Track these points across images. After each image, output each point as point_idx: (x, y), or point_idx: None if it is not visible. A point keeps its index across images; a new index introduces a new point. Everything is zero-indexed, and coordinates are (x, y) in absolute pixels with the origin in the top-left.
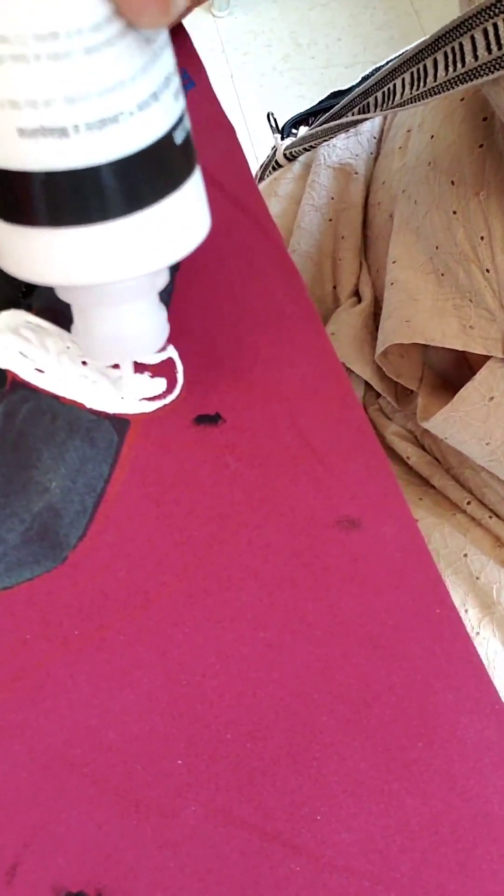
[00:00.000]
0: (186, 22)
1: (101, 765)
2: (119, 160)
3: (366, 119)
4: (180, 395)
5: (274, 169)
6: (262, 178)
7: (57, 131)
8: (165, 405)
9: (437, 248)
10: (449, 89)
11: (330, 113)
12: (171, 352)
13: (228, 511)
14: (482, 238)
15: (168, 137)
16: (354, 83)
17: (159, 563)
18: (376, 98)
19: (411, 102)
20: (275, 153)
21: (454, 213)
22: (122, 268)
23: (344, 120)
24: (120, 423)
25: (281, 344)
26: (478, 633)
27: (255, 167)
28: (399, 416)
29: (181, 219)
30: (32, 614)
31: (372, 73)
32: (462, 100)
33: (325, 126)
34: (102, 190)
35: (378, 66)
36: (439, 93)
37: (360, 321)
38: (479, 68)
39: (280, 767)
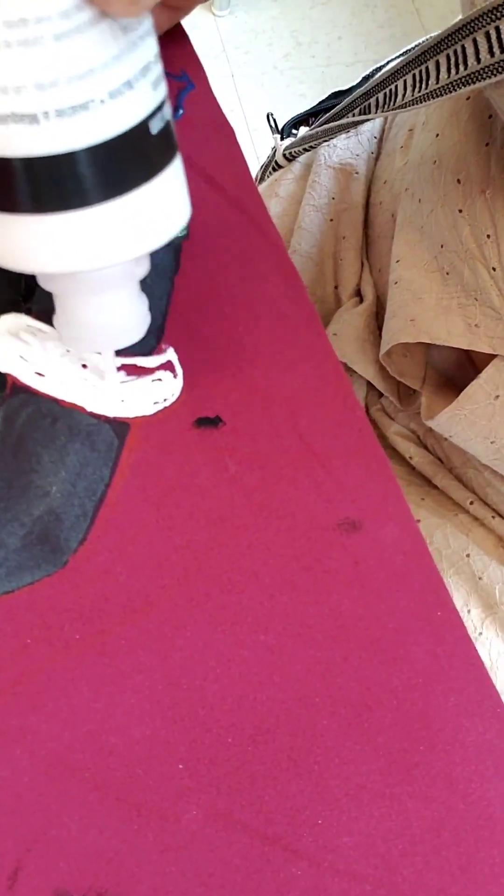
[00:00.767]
0: (186, 21)
1: (103, 769)
2: (92, 147)
3: (367, 120)
4: (180, 397)
5: (274, 169)
6: (262, 179)
7: (27, 117)
8: (165, 408)
9: (442, 246)
10: (451, 92)
11: (330, 114)
12: (171, 354)
13: (229, 514)
14: (488, 236)
15: (143, 126)
16: (355, 83)
17: (160, 567)
18: (377, 99)
19: (413, 104)
20: (274, 154)
21: (460, 211)
22: (101, 255)
23: (345, 121)
24: (120, 426)
25: (281, 346)
26: (480, 634)
27: (256, 167)
28: (402, 416)
29: (160, 206)
30: (33, 619)
31: (373, 74)
32: (468, 98)
33: (325, 126)
34: (78, 176)
35: (379, 65)
36: (441, 95)
37: (363, 321)
38: (481, 71)
39: (281, 771)
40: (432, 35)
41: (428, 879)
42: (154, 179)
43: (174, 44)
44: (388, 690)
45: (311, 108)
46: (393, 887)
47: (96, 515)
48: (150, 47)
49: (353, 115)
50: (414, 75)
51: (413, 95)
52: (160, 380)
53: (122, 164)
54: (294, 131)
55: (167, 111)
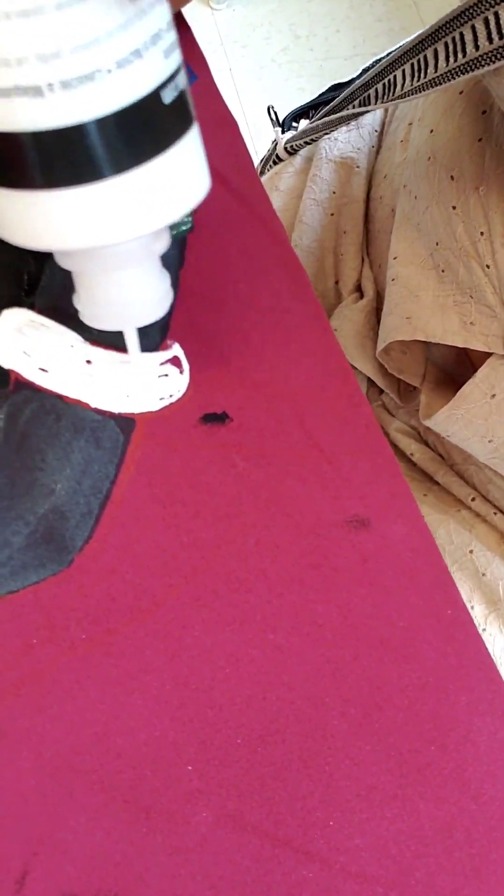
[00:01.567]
0: (184, 16)
1: (110, 771)
2: (101, 119)
3: (366, 112)
4: (186, 393)
5: (275, 163)
6: (262, 173)
7: (32, 90)
8: (171, 404)
9: (437, 243)
10: (450, 80)
11: (330, 106)
12: (177, 350)
13: (236, 511)
14: (482, 233)
15: (155, 95)
16: (355, 75)
17: (166, 566)
18: (377, 90)
19: (412, 94)
20: (275, 147)
21: (454, 208)
22: (117, 229)
23: (345, 113)
24: (125, 422)
25: (287, 342)
26: (484, 630)
27: (256, 161)
28: (402, 413)
29: (176, 178)
30: (39, 619)
31: (372, 65)
32: (461, 93)
33: (325, 119)
34: (90, 149)
35: (378, 57)
36: (440, 84)
37: (363, 317)
38: (479, 58)
39: (291, 772)
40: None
41: (440, 881)
42: (169, 150)
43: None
44: (398, 689)
45: (312, 101)
46: (405, 888)
47: (102, 513)
48: (161, 15)
49: (353, 107)
50: (413, 64)
51: (412, 85)
52: (166, 375)
53: (134, 135)
54: (294, 124)
55: (181, 80)
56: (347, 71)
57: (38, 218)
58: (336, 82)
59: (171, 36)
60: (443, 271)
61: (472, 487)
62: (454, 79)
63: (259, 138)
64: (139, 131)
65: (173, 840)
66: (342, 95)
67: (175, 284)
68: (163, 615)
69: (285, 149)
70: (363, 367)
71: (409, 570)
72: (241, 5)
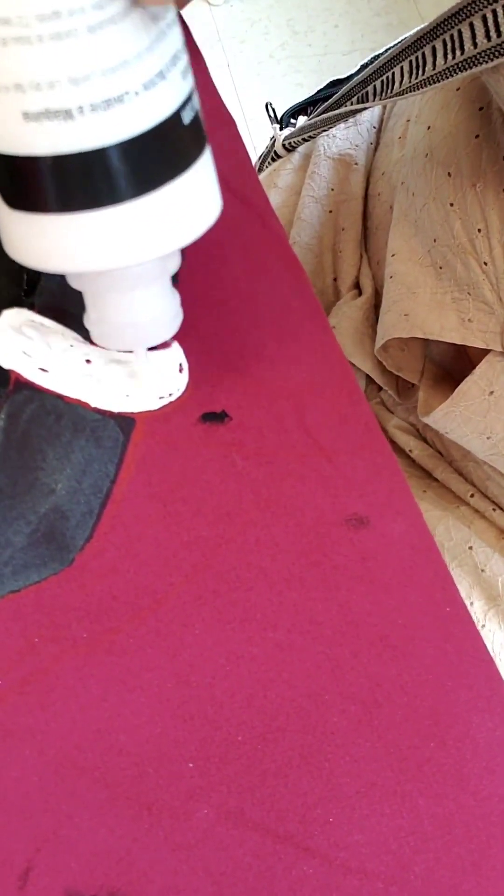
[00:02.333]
0: (182, 11)
1: (112, 768)
2: (126, 141)
3: (364, 108)
4: (186, 392)
5: (273, 159)
6: (260, 170)
7: (62, 113)
8: (171, 402)
9: (434, 240)
10: (448, 77)
11: (329, 103)
12: (176, 349)
13: (236, 510)
14: (479, 230)
15: (176, 117)
16: (353, 71)
17: (167, 564)
18: (375, 87)
19: (410, 91)
20: (273, 144)
21: (451, 205)
22: (133, 251)
23: (343, 109)
24: (125, 421)
25: (286, 340)
26: (483, 626)
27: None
28: (401, 410)
29: (193, 200)
30: (40, 617)
31: (370, 62)
32: (458, 89)
33: (323, 116)
34: (111, 172)
35: (377, 53)
36: (438, 81)
37: (361, 314)
38: (478, 56)
39: (292, 769)
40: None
41: (439, 876)
42: (186, 172)
43: None
44: (397, 686)
45: (310, 98)
46: (405, 884)
47: (102, 512)
48: (177, 36)
49: (352, 104)
50: (411, 62)
51: (410, 82)
52: (165, 373)
53: (155, 157)
54: (293, 121)
55: (196, 100)
56: (346, 66)
57: (53, 241)
58: (334, 78)
59: (186, 57)
60: (440, 268)
61: (471, 484)
62: (452, 76)
63: (258, 134)
64: (160, 153)
65: (175, 836)
66: (340, 92)
67: (174, 282)
68: (164, 613)
69: (283, 146)
70: (362, 364)
71: (409, 567)
72: (238, 1)
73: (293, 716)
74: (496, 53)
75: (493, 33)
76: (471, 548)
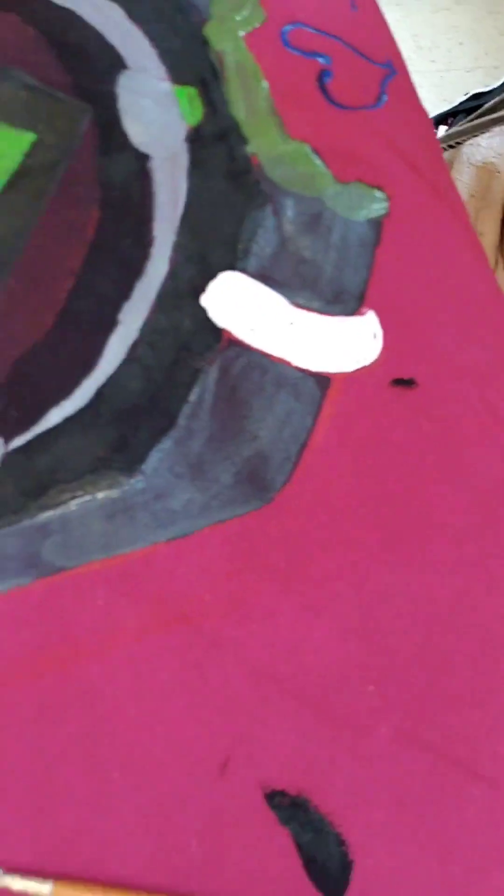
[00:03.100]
0: None
1: (302, 682)
2: None
3: None
4: (378, 358)
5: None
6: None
7: None
8: (365, 367)
9: None
10: None
11: (478, 112)
12: (372, 318)
13: (420, 468)
14: None
15: None
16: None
17: (356, 510)
18: None
19: None
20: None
21: None
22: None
23: (495, 115)
24: (322, 380)
25: (470, 320)
26: None
27: None
28: None
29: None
30: (243, 546)
31: None
32: None
33: (471, 124)
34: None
35: None
36: None
37: None
38: None
39: (465, 701)
40: None
41: None
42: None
43: (380, 33)
44: None
45: (451, 108)
46: None
47: (300, 459)
48: None
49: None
50: None
51: None
52: (360, 339)
53: None
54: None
55: None
56: (468, 83)
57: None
58: (477, 91)
59: None
60: None
61: None
62: None
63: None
64: None
65: (356, 748)
66: (492, 102)
67: (371, 261)
68: (352, 553)
69: None
70: None
71: None
72: None
73: (468, 655)
74: None
75: None
76: None
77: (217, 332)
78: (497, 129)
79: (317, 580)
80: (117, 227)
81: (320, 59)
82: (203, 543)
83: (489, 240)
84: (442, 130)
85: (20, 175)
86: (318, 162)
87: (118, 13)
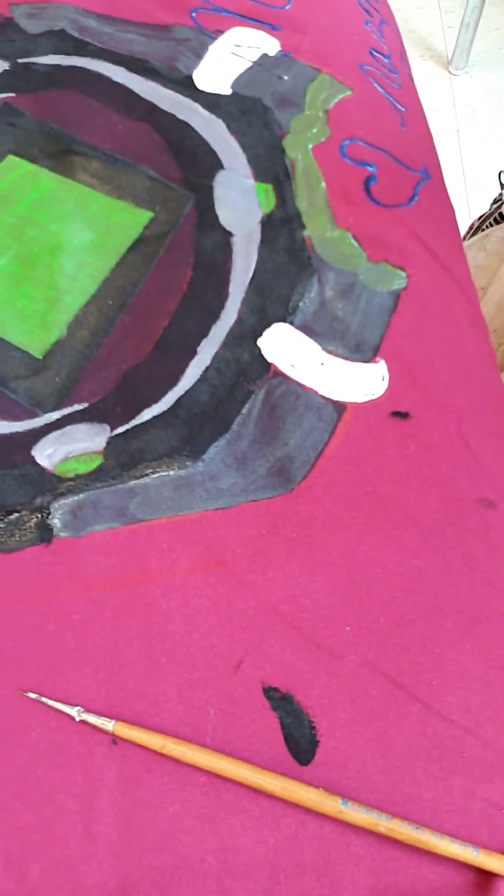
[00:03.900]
0: (420, 76)
1: (299, 616)
2: None
3: None
4: (384, 395)
5: (496, 221)
6: (478, 229)
7: None
8: (372, 400)
9: None
10: None
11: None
12: (382, 365)
13: (405, 478)
14: None
15: None
16: None
17: (353, 503)
18: None
19: None
20: (499, 207)
21: None
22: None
23: None
24: (339, 407)
25: (462, 373)
26: None
27: (467, 219)
28: None
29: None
30: (268, 519)
31: None
32: None
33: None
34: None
35: None
36: None
37: None
38: None
39: (417, 644)
40: None
41: None
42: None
43: (420, 143)
44: (498, 601)
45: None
46: (478, 737)
47: (316, 463)
48: None
49: None
50: None
51: None
52: (372, 380)
53: None
54: None
55: None
56: None
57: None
58: None
59: None
60: None
61: None
62: None
63: (475, 198)
64: None
65: (331, 667)
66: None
67: (387, 323)
68: (346, 531)
69: None
70: None
71: None
72: (478, 71)
73: (423, 612)
74: None
75: None
76: None
77: (267, 366)
78: None
79: (318, 547)
80: (204, 284)
81: (369, 168)
82: (240, 514)
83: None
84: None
85: (139, 241)
86: (356, 245)
87: (221, 127)
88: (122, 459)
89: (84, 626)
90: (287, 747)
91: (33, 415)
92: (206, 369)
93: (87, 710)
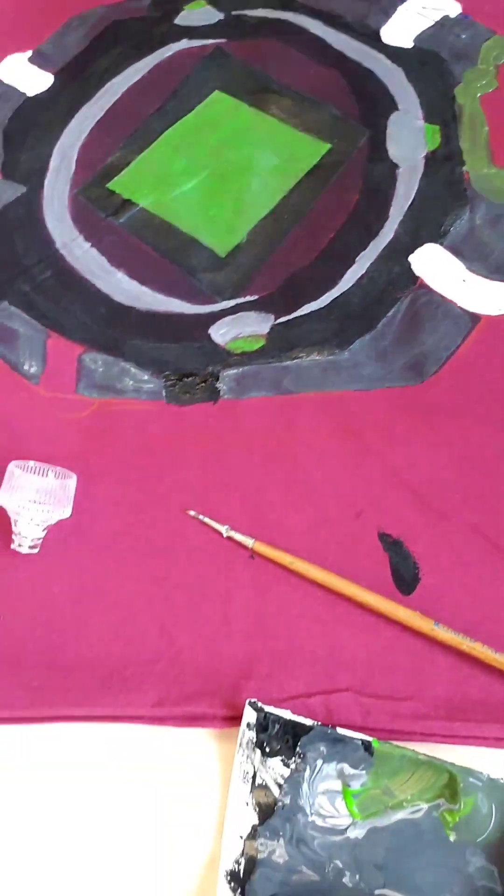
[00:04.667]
0: None
1: (421, 482)
2: None
3: None
4: None
5: None
6: None
7: None
8: None
9: None
10: None
11: None
12: None
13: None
14: None
15: None
16: None
17: (476, 395)
18: None
19: None
20: None
21: None
22: None
23: None
24: (475, 317)
25: None
26: None
27: None
28: None
29: None
30: (399, 402)
31: None
32: None
33: None
34: None
35: None
36: None
37: None
38: None
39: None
40: None
41: None
42: None
43: None
44: None
45: None
46: None
47: (447, 361)
48: None
49: None
50: None
51: None
52: None
53: None
54: None
55: None
56: None
57: None
58: None
59: None
60: None
61: None
62: None
63: None
64: None
65: (438, 526)
66: None
67: None
68: (470, 419)
69: None
70: None
71: None
72: None
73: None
74: None
75: None
76: None
77: (414, 278)
78: None
79: (441, 429)
80: (368, 206)
81: None
82: (376, 396)
83: None
84: None
85: (316, 168)
86: None
87: (400, 74)
88: (281, 343)
89: (238, 467)
90: (393, 580)
91: (213, 301)
92: (361, 277)
93: (233, 529)
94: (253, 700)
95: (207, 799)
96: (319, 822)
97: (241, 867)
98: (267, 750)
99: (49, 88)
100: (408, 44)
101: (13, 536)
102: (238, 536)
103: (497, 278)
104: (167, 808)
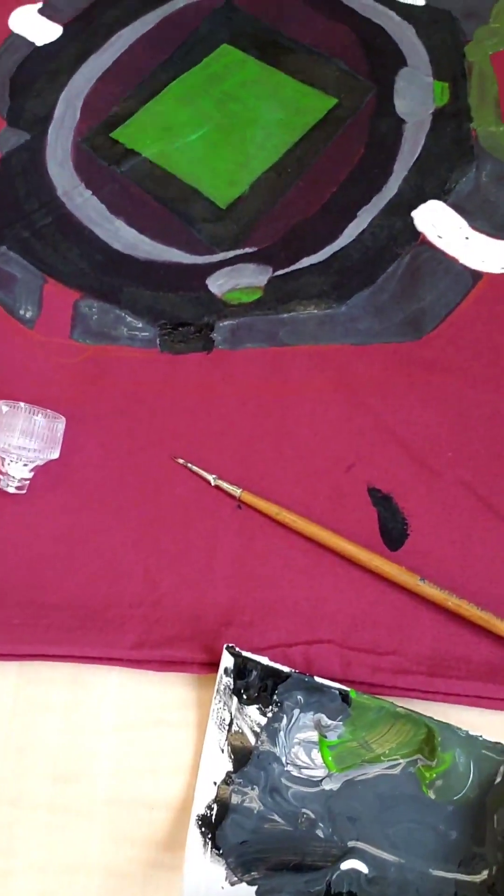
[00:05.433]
0: None
1: (407, 440)
2: None
3: None
4: None
5: None
6: None
7: None
8: None
9: None
10: None
11: None
12: None
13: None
14: None
15: None
16: None
17: (473, 353)
18: None
19: None
20: None
21: None
22: None
23: None
24: (476, 275)
25: None
26: None
27: None
28: None
29: None
30: (395, 357)
31: None
32: None
33: None
34: None
35: None
36: None
37: None
38: None
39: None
40: None
41: None
42: None
43: None
44: None
45: None
46: None
47: (446, 318)
48: None
49: None
50: None
51: None
52: None
53: None
54: None
55: None
56: None
57: None
58: None
59: None
60: None
61: None
62: None
63: None
64: None
65: (430, 481)
66: None
67: None
68: (452, 375)
69: None
70: None
71: None
72: None
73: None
74: None
75: None
76: None
77: (416, 234)
78: None
79: (436, 385)
80: (372, 161)
81: None
82: (371, 352)
83: None
84: None
85: (322, 122)
86: None
87: (411, 31)
88: (279, 295)
89: (229, 417)
90: (381, 535)
91: (212, 252)
92: (363, 231)
93: (222, 479)
94: (230, 645)
95: (184, 744)
96: (294, 772)
97: (214, 812)
98: (244, 697)
99: (57, 39)
100: (420, 1)
101: (0, 476)
102: (226, 486)
103: (501, 236)
104: (144, 752)
